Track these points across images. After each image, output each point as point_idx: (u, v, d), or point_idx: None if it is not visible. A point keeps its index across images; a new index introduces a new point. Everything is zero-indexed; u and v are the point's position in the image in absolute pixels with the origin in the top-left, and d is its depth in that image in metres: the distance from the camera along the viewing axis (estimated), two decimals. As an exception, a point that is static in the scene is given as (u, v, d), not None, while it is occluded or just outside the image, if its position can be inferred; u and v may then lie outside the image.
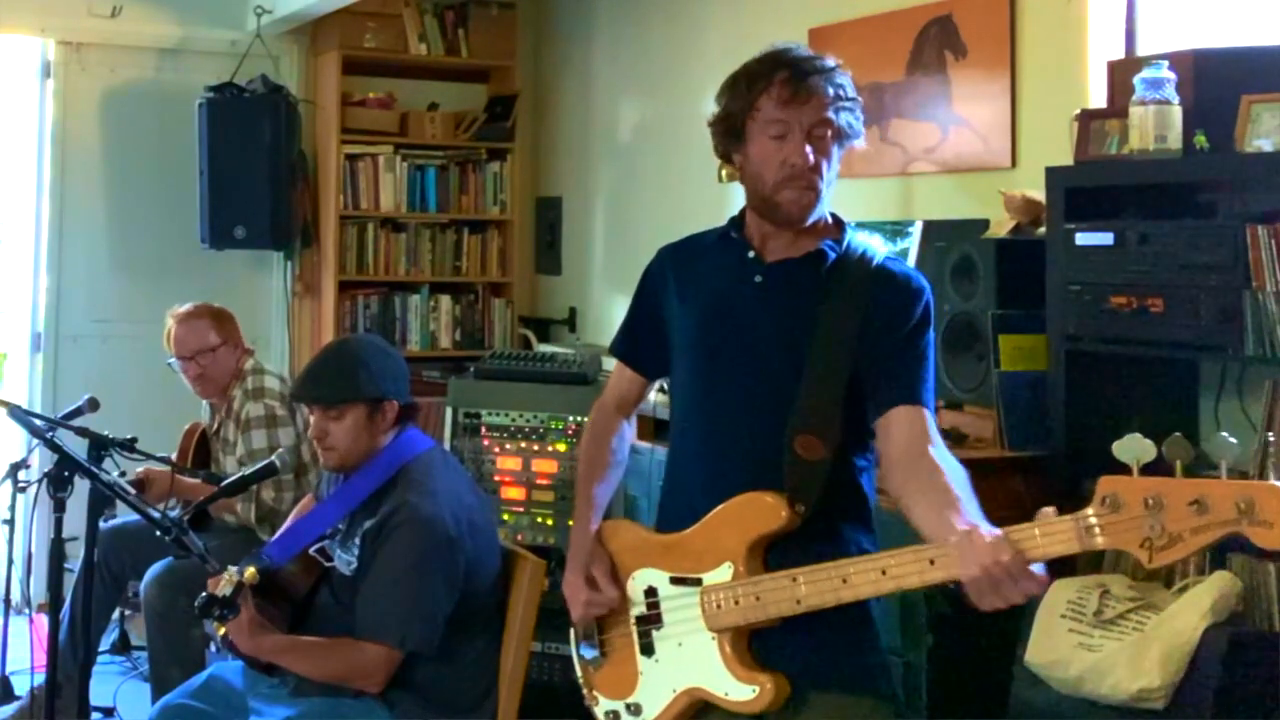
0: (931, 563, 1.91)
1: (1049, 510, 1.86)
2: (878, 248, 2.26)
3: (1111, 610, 2.62)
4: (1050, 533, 1.83)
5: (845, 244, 2.21)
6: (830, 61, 2.17)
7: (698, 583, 2.14)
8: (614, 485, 2.44)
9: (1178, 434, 1.93)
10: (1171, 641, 2.50)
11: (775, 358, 2.17)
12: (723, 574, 2.11)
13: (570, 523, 2.42)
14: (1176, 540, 1.72)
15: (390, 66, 5.97)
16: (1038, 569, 1.84)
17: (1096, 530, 1.78)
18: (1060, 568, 2.84)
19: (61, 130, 5.69)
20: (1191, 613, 2.52)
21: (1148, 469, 1.85)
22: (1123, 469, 1.86)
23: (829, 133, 2.13)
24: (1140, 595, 2.62)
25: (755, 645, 2.12)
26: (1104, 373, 2.98)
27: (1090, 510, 1.79)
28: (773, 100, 2.13)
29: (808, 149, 2.12)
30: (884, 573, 1.95)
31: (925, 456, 2.06)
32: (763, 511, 2.09)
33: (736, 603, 2.08)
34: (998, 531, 1.85)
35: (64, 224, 5.69)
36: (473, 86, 6.26)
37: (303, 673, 2.82)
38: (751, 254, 2.23)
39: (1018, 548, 1.82)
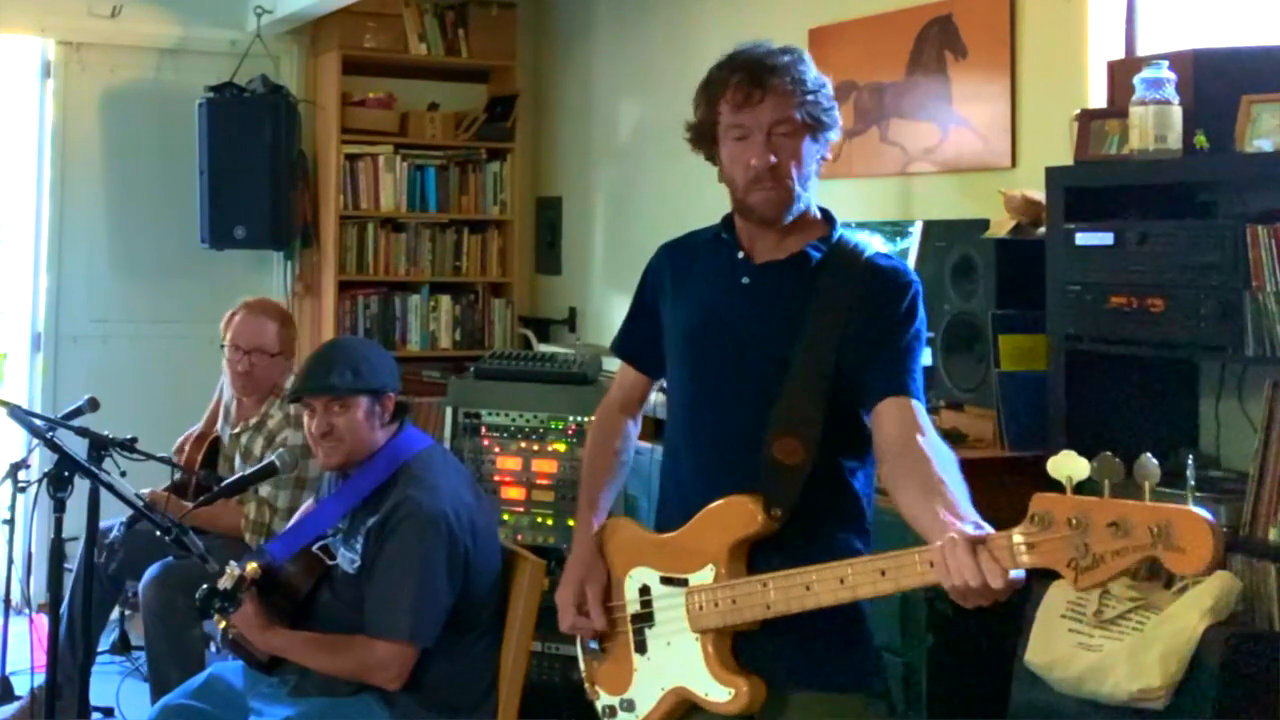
0: (883, 574, 1.90)
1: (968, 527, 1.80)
2: (868, 242, 2.24)
3: (1111, 610, 2.62)
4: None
5: (832, 242, 2.20)
6: (787, 56, 2.15)
7: (684, 583, 2.16)
8: (618, 486, 2.45)
9: (1107, 453, 1.87)
10: (1171, 641, 2.50)
11: (759, 361, 2.16)
12: (706, 575, 2.13)
13: (570, 523, 2.43)
14: (1099, 562, 1.69)
15: (390, 66, 5.97)
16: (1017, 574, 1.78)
17: (1023, 549, 1.75)
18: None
19: (61, 130, 5.69)
20: (1191, 613, 2.52)
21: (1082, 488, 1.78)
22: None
23: (792, 129, 2.12)
24: (1140, 595, 2.61)
25: (739, 647, 2.13)
26: (1104, 373, 2.98)
27: (1019, 529, 1.76)
28: (730, 105, 2.14)
29: (768, 150, 2.11)
30: (842, 581, 1.94)
31: (913, 445, 2.03)
32: (741, 515, 2.11)
33: (716, 605, 2.10)
34: (979, 533, 1.80)
35: (64, 224, 5.69)
36: (473, 86, 6.26)
37: (317, 668, 2.83)
38: (740, 254, 2.22)
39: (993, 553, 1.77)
